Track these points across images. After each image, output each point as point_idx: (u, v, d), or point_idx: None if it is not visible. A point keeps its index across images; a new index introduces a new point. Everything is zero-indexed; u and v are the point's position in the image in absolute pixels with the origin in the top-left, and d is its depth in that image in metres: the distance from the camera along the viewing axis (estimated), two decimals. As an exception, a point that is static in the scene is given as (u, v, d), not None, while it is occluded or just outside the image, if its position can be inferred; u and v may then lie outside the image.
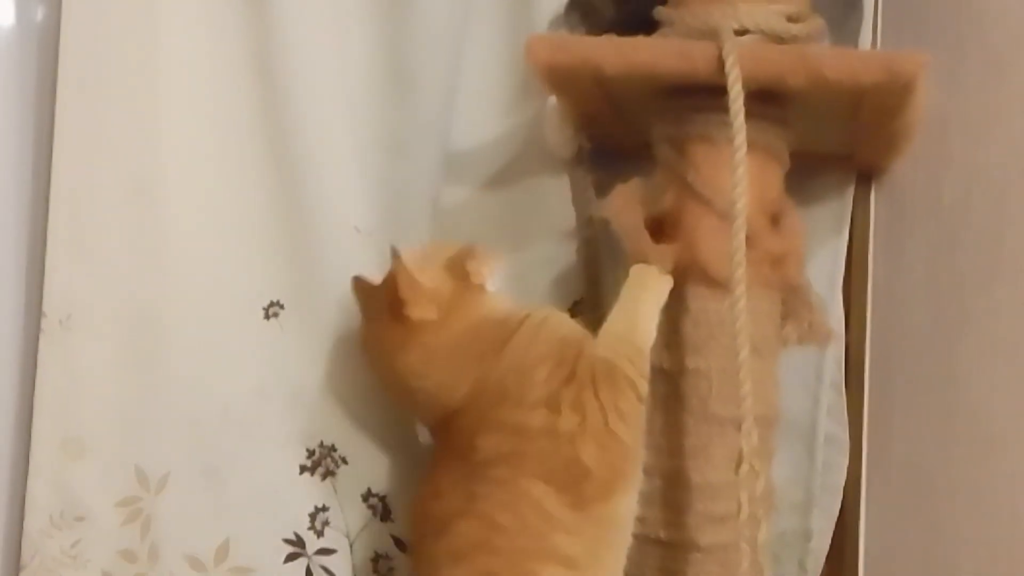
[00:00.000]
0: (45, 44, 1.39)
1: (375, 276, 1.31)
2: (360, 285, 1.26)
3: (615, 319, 1.22)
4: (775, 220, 1.29)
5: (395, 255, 1.19)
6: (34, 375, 1.34)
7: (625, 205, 1.29)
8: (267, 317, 1.39)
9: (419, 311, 1.18)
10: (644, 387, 1.18)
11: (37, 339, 1.34)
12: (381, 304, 1.21)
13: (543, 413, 1.15)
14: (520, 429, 1.15)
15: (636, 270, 1.24)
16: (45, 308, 1.34)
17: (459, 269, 1.21)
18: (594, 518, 1.15)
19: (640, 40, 1.25)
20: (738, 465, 1.18)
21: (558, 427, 1.14)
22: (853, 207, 1.48)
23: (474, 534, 1.12)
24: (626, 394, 1.17)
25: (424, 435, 1.38)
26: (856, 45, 1.38)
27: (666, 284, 1.22)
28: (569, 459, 1.14)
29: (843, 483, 1.46)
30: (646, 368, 1.18)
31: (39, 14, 1.41)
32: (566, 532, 1.13)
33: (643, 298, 1.22)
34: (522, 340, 1.18)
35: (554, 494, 1.13)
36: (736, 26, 1.22)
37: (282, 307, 1.39)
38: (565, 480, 1.14)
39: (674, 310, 1.25)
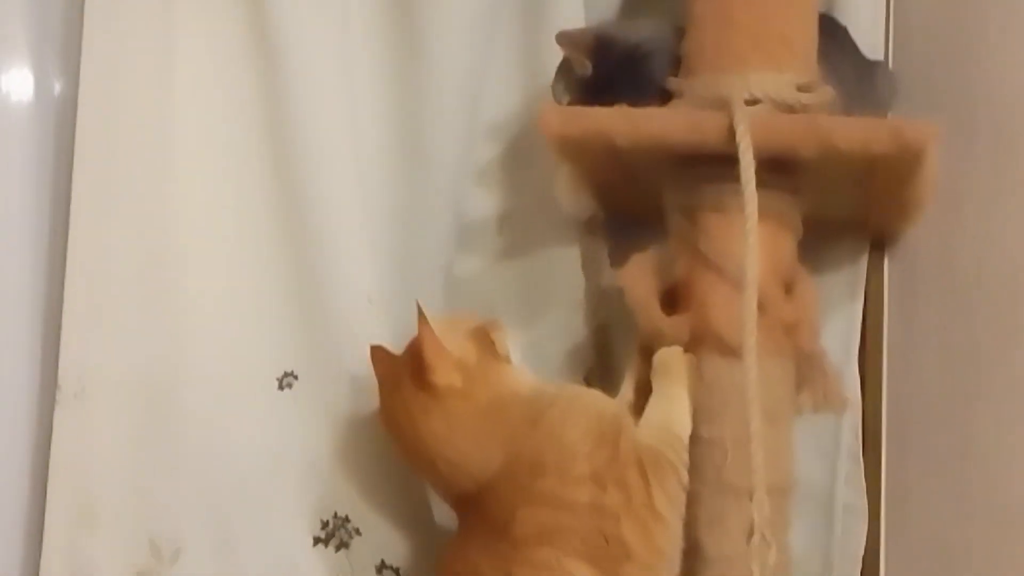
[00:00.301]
0: (63, 118, 1.41)
1: (393, 346, 1.30)
2: (379, 354, 1.25)
3: (653, 409, 1.21)
4: (788, 288, 1.29)
5: (420, 315, 1.17)
6: (49, 447, 1.34)
7: (639, 276, 1.29)
8: (281, 387, 1.39)
9: (445, 377, 1.16)
10: (685, 475, 1.18)
11: (52, 411, 1.33)
12: (403, 371, 1.20)
13: (589, 488, 1.14)
14: (565, 503, 1.13)
15: (662, 355, 1.23)
16: (60, 380, 1.34)
17: (484, 339, 1.21)
18: None
19: (651, 111, 1.26)
20: (750, 535, 1.18)
21: (604, 503, 1.13)
22: (867, 274, 1.47)
23: None
24: (670, 479, 1.17)
25: (439, 507, 1.37)
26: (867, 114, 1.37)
27: (692, 365, 1.22)
28: (613, 538, 1.13)
29: (862, 552, 1.44)
30: (686, 456, 1.18)
31: (57, 88, 1.44)
32: None
33: (674, 386, 1.21)
34: (558, 414, 1.16)
35: (590, 570, 1.12)
36: (747, 96, 1.23)
37: (296, 378, 1.39)
38: (607, 561, 1.13)
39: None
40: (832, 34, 1.34)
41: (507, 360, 1.21)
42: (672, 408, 1.20)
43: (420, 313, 1.17)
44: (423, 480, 1.30)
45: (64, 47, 1.43)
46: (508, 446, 1.15)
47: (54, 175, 1.42)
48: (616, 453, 1.15)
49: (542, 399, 1.18)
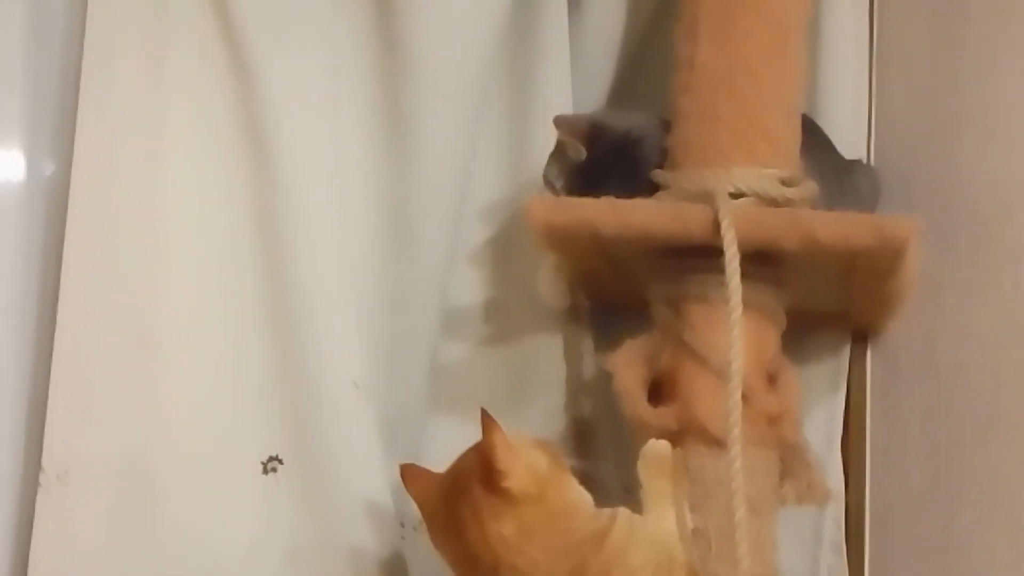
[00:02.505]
0: (53, 199, 1.41)
1: (381, 433, 1.34)
2: (411, 472, 1.24)
3: (661, 514, 1.18)
4: (771, 379, 1.29)
5: (488, 419, 1.13)
6: (30, 530, 1.33)
7: (628, 363, 1.30)
8: (265, 472, 1.38)
9: (519, 482, 1.12)
10: None
11: (35, 494, 1.33)
12: (468, 478, 1.15)
13: None
14: None
15: (652, 450, 1.21)
16: (44, 462, 1.33)
17: (550, 449, 1.18)
18: None
19: (637, 202, 1.27)
20: None
21: None
22: (849, 366, 1.48)
23: None
24: None
25: None
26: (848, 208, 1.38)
27: (679, 461, 1.22)
28: None
29: None
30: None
31: (48, 169, 1.44)
32: None
33: (670, 488, 1.20)
34: (623, 537, 1.13)
35: None
36: (731, 189, 1.24)
37: (281, 462, 1.38)
38: None
39: (673, 469, 1.25)
40: (812, 132, 1.36)
41: (569, 472, 1.18)
42: (675, 511, 1.19)
43: (487, 417, 1.13)
44: None
45: (57, 129, 1.43)
46: (574, 558, 1.12)
47: (43, 256, 1.41)
48: None
49: (603, 516, 1.15)
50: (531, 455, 1.15)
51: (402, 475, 1.24)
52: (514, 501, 1.12)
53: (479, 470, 1.14)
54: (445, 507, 1.19)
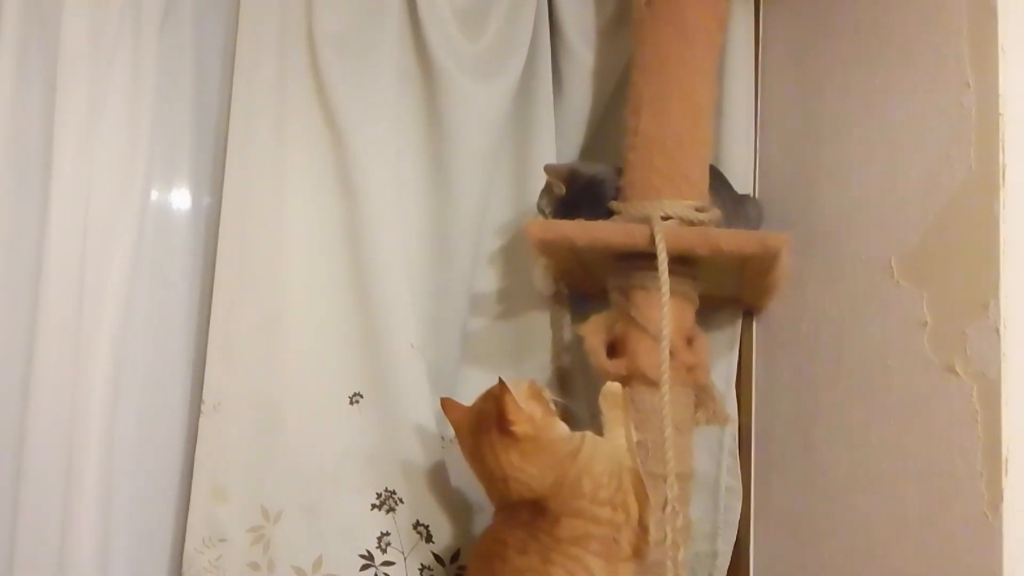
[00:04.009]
0: (210, 221, 1.43)
1: (430, 379, 1.35)
2: (449, 404, 1.24)
3: (616, 433, 1.19)
4: (689, 341, 1.29)
5: (503, 384, 1.14)
6: (195, 444, 1.35)
7: (593, 331, 1.29)
8: (351, 403, 1.38)
9: (522, 428, 1.13)
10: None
11: (198, 419, 1.35)
12: (488, 420, 1.15)
13: (608, 508, 1.12)
14: (593, 518, 1.12)
15: (608, 388, 1.22)
16: (204, 397, 1.35)
17: (541, 398, 1.17)
18: (620, 574, 1.13)
19: (599, 223, 1.26)
20: (664, 506, 1.17)
21: (614, 519, 1.12)
22: (741, 333, 1.46)
23: None
24: (642, 486, 1.16)
25: (453, 491, 1.38)
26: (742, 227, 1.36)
27: (627, 395, 1.21)
28: (617, 543, 1.12)
29: (738, 519, 1.44)
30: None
31: (206, 201, 1.46)
32: None
33: (621, 415, 1.20)
34: (588, 452, 1.14)
35: (601, 563, 1.11)
36: (662, 214, 1.24)
37: (362, 397, 1.38)
38: (613, 559, 1.12)
39: (624, 402, 1.22)
40: (716, 176, 1.35)
41: (554, 412, 1.18)
42: (626, 431, 1.19)
43: (503, 383, 1.14)
44: (490, 490, 1.21)
45: (212, 173, 1.43)
46: (557, 471, 1.13)
47: (204, 258, 1.43)
48: (620, 483, 1.13)
49: (576, 438, 1.15)
50: (530, 406, 1.14)
51: (442, 406, 1.25)
52: (517, 439, 1.13)
53: (495, 417, 1.14)
54: (471, 434, 1.19)
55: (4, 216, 1.29)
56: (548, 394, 1.20)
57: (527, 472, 1.13)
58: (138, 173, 1.34)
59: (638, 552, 1.13)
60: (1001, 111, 1.02)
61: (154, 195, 1.42)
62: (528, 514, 1.13)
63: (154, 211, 1.42)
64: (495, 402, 1.14)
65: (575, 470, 1.12)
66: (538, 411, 1.15)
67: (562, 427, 1.16)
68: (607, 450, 1.16)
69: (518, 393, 1.15)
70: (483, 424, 1.17)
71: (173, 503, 1.38)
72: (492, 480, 1.17)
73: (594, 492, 1.12)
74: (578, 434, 1.16)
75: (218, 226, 1.37)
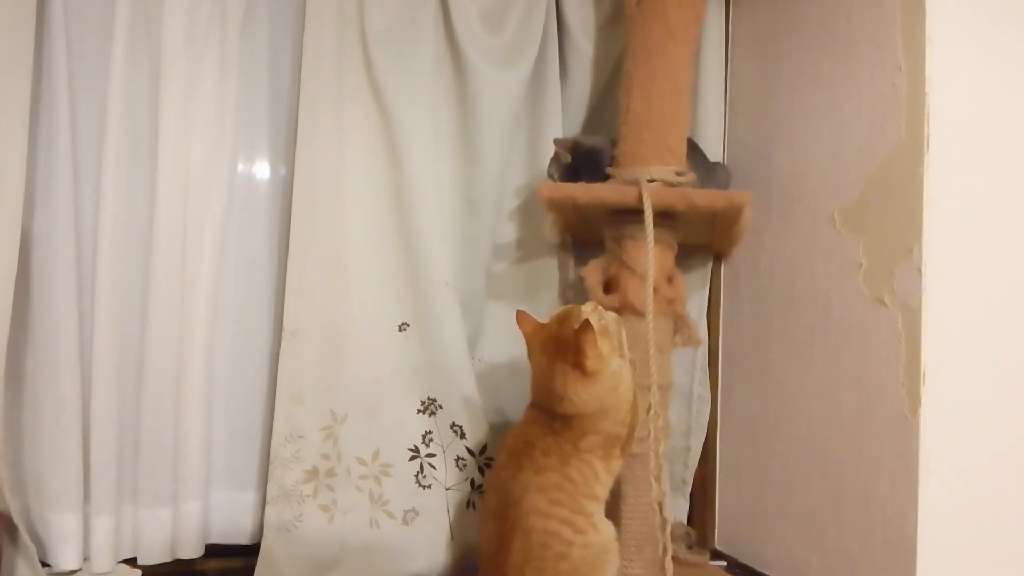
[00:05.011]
0: (287, 188, 1.38)
1: (462, 309, 1.31)
2: (523, 316, 1.13)
3: (623, 366, 1.11)
4: (670, 279, 1.29)
5: (587, 323, 1.04)
6: (278, 363, 1.33)
7: (592, 272, 1.29)
8: (400, 330, 1.37)
9: (592, 366, 1.05)
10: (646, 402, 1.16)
11: (280, 343, 1.33)
12: (565, 347, 1.06)
13: (620, 428, 1.08)
14: (607, 434, 1.07)
15: (609, 319, 1.13)
16: (284, 324, 1.33)
17: (607, 334, 1.08)
18: (612, 469, 1.10)
19: (598, 185, 1.25)
20: (648, 410, 1.19)
21: (620, 433, 1.09)
22: (711, 272, 1.46)
23: (556, 480, 1.06)
24: (644, 406, 1.15)
25: (479, 399, 1.35)
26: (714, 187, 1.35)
27: (621, 324, 1.15)
28: (617, 447, 1.09)
29: (707, 421, 1.44)
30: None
31: (282, 171, 1.42)
32: (599, 482, 1.08)
33: (619, 340, 1.13)
34: (625, 386, 1.09)
35: (601, 463, 1.08)
36: (648, 178, 1.23)
37: (408, 326, 1.37)
38: (607, 456, 1.08)
39: (617, 328, 1.22)
40: (693, 147, 1.33)
41: (618, 347, 1.10)
42: (619, 353, 1.12)
43: (588, 324, 1.04)
44: (541, 394, 1.10)
45: (287, 148, 1.39)
46: (602, 401, 1.07)
47: (281, 218, 1.40)
48: (632, 407, 1.10)
49: (617, 374, 1.08)
50: (602, 343, 1.06)
51: (517, 319, 1.13)
52: (587, 373, 1.05)
53: (572, 349, 1.05)
54: (543, 351, 1.09)
55: (122, 183, 1.26)
56: (614, 325, 1.12)
57: (582, 398, 1.06)
58: (226, 148, 1.32)
59: (625, 449, 1.11)
60: (927, 91, 1.03)
61: (240, 167, 1.40)
62: (560, 424, 1.08)
63: (240, 179, 1.40)
64: (576, 336, 1.04)
65: (613, 400, 1.08)
66: (606, 347, 1.07)
67: (616, 362, 1.09)
68: (629, 382, 1.11)
69: (596, 317, 1.08)
70: (559, 348, 1.07)
71: (262, 408, 1.39)
72: (549, 392, 1.08)
73: (616, 416, 1.09)
74: (618, 366, 1.09)
75: (292, 190, 1.35)
